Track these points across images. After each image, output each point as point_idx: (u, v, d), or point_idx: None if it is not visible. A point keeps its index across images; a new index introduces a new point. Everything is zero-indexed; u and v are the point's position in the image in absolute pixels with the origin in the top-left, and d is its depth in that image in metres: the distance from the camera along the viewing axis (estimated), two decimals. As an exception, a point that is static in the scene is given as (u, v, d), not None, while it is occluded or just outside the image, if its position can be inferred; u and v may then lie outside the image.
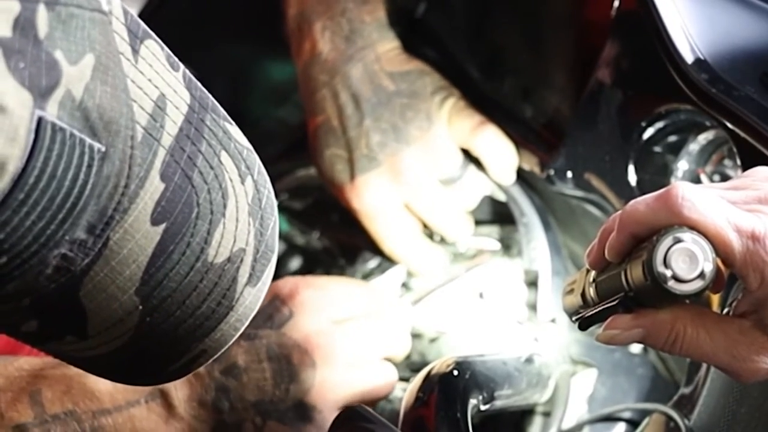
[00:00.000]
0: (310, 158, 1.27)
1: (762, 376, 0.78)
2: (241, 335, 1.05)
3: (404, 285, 1.28)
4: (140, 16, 1.56)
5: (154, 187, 0.67)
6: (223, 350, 0.74)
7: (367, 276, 1.30)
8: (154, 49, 0.69)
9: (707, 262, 0.75)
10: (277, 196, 1.39)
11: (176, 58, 0.72)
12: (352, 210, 1.24)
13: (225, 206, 0.70)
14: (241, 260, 0.72)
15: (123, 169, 0.64)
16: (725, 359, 0.78)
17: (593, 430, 1.11)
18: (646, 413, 1.04)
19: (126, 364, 0.72)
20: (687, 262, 0.74)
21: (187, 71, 0.72)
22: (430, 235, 1.26)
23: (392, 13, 1.26)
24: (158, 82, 0.68)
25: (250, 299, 0.73)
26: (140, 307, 0.68)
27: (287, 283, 1.13)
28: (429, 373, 1.01)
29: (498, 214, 1.27)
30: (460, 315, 1.21)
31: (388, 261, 1.27)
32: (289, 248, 1.39)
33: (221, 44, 1.48)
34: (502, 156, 1.21)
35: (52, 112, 0.60)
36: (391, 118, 1.21)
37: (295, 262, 1.39)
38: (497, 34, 1.27)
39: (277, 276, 1.37)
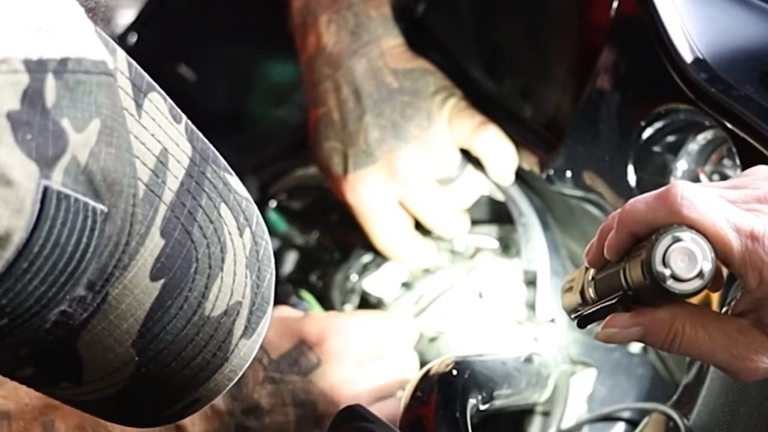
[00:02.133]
0: (310, 155, 1.28)
1: (760, 375, 0.78)
2: (267, 379, 1.06)
3: (405, 284, 1.28)
4: (140, 16, 1.57)
5: (154, 244, 0.67)
6: (216, 398, 0.74)
7: (362, 272, 1.30)
8: (158, 101, 0.70)
9: (706, 262, 0.74)
10: (276, 195, 1.40)
11: (178, 110, 0.71)
12: (346, 204, 1.24)
13: (223, 260, 0.71)
14: (237, 313, 0.72)
15: (124, 228, 0.64)
16: (724, 358, 0.78)
17: (592, 430, 1.11)
18: (645, 413, 1.04)
19: (120, 408, 0.73)
20: (686, 261, 0.74)
21: (189, 123, 0.72)
22: (427, 232, 1.26)
23: (393, 11, 1.26)
24: (161, 137, 0.68)
25: (245, 351, 0.74)
26: (136, 359, 0.68)
27: (314, 326, 1.13)
28: (428, 372, 1.01)
29: (496, 214, 1.27)
30: (460, 315, 1.21)
31: (382, 257, 1.28)
32: (288, 248, 1.39)
33: (221, 44, 1.48)
34: (502, 156, 1.21)
35: (57, 179, 0.59)
36: (392, 115, 1.21)
37: (294, 263, 1.39)
38: (497, 34, 1.27)
39: (276, 277, 1.38)
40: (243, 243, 0.72)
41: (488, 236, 1.26)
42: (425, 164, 1.21)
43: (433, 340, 1.22)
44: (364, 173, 1.22)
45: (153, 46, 1.52)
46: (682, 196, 0.76)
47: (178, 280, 0.68)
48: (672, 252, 0.74)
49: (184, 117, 0.71)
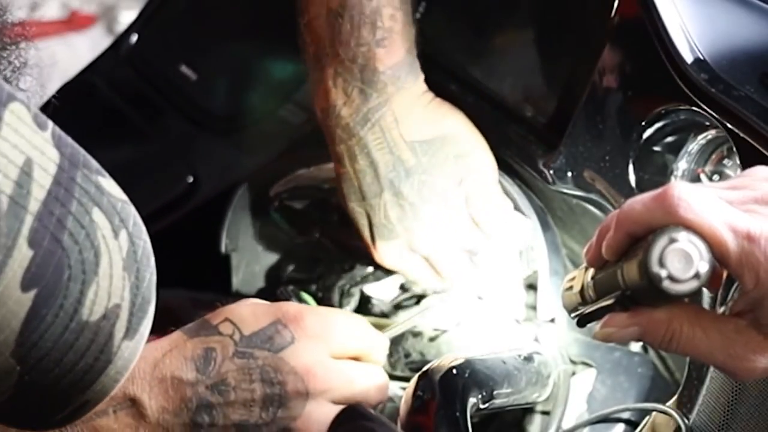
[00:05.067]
0: (311, 159, 1.27)
1: (758, 375, 0.78)
2: (237, 354, 1.03)
3: (402, 287, 1.28)
4: (140, 16, 1.57)
5: (22, 255, 0.66)
6: (107, 397, 0.75)
7: (364, 278, 1.30)
8: (20, 112, 0.68)
9: (702, 262, 0.75)
10: (277, 196, 1.40)
11: (44, 117, 0.70)
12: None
13: (98, 264, 0.70)
14: (117, 315, 0.72)
15: None
16: (721, 358, 0.78)
17: (593, 429, 1.12)
18: (646, 412, 1.04)
19: (13, 414, 0.73)
20: (682, 262, 0.74)
21: (57, 128, 0.70)
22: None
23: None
24: (24, 147, 0.67)
25: (129, 352, 0.73)
26: (18, 368, 0.68)
27: (291, 307, 1.08)
28: (428, 371, 1.01)
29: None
30: (460, 314, 1.21)
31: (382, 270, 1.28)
32: (289, 248, 1.39)
33: (222, 44, 1.49)
34: (501, 243, 1.20)
35: None
36: (410, 195, 1.19)
37: (294, 263, 1.39)
38: (497, 33, 1.27)
39: (276, 278, 1.37)
40: (119, 245, 0.71)
41: None
42: (446, 239, 1.20)
43: (433, 339, 1.22)
44: (388, 245, 1.22)
45: (154, 46, 1.52)
46: (679, 196, 0.76)
47: (51, 288, 0.68)
48: (668, 253, 0.74)
49: (50, 123, 0.70)
